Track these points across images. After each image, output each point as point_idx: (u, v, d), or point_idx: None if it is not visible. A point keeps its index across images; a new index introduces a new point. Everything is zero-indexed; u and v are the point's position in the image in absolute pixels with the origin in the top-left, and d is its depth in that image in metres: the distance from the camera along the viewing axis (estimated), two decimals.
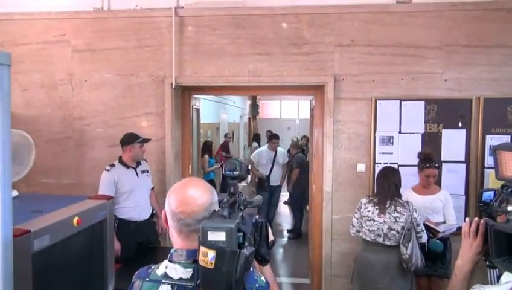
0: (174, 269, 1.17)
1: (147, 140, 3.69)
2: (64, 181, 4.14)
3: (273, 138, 6.57)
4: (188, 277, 1.16)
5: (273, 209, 6.70)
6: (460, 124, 3.78)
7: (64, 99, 4.15)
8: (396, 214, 3.04)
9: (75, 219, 2.19)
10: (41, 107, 4.17)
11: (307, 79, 3.87)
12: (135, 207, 3.60)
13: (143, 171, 3.73)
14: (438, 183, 3.63)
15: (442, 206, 3.41)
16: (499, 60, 3.72)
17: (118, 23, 4.05)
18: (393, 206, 3.06)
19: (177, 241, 1.22)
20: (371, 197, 3.24)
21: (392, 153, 3.86)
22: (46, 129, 4.16)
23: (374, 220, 3.09)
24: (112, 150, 3.97)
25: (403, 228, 3.01)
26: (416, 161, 3.58)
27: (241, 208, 1.21)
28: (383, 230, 3.06)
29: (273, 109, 16.73)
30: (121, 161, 3.64)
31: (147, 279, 1.20)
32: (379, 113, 3.84)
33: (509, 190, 0.89)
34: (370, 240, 3.12)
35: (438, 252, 3.22)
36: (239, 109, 12.25)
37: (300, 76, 3.87)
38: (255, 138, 10.56)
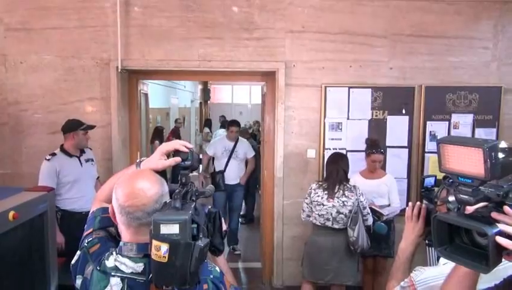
0: (124, 264, 1.14)
1: (91, 127, 3.50)
2: None
3: (231, 125, 5.13)
4: (140, 271, 1.13)
5: (235, 216, 5.25)
6: (403, 111, 3.94)
7: None
8: (344, 198, 3.14)
9: (11, 214, 2.04)
10: None
11: (258, 65, 3.85)
12: (80, 198, 3.43)
13: (87, 160, 3.55)
14: (383, 167, 3.79)
15: (388, 190, 3.56)
16: (439, 49, 3.91)
17: (57, 0, 3.76)
18: (341, 191, 3.16)
19: (126, 235, 1.18)
20: (320, 183, 3.31)
21: (340, 139, 3.96)
22: None
23: (323, 205, 3.17)
24: (53, 137, 3.73)
25: (350, 211, 3.12)
26: (363, 147, 3.70)
27: (193, 198, 1.17)
28: (331, 214, 3.15)
29: (225, 93, 16.58)
30: (62, 150, 3.43)
31: (98, 267, 1.16)
32: (329, 99, 3.90)
33: (451, 181, 0.92)
34: (319, 224, 3.20)
35: (382, 234, 3.37)
36: (190, 93, 12.01)
37: (251, 62, 3.84)
38: (207, 123, 10.43)
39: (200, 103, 13.99)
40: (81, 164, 3.47)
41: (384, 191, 3.56)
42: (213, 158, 5.28)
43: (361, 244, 3.10)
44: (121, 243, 1.18)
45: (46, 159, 3.34)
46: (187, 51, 3.82)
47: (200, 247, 1.01)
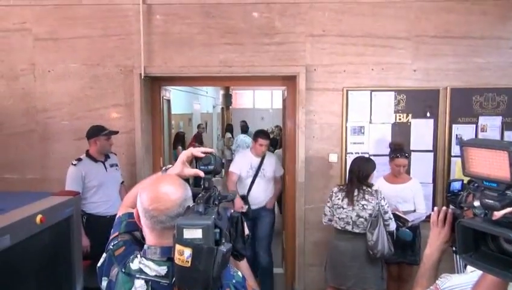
0: (148, 267, 1.16)
1: (113, 132, 3.57)
2: (29, 176, 3.97)
3: (260, 137, 4.09)
4: (163, 274, 1.15)
5: (263, 247, 4.14)
6: (428, 114, 3.86)
7: (26, 91, 3.96)
8: (364, 202, 3.11)
9: (38, 217, 2.10)
10: (1, 99, 3.96)
11: (279, 69, 3.85)
12: (105, 202, 3.51)
13: (112, 165, 3.63)
14: (408, 172, 3.71)
15: (413, 195, 3.49)
16: (465, 50, 3.81)
17: (83, 10, 3.88)
18: (361, 194, 3.13)
19: (150, 239, 1.20)
20: (341, 186, 3.30)
21: (363, 143, 3.91)
22: (8, 122, 3.97)
23: (343, 208, 3.15)
24: (80, 144, 3.83)
25: (370, 215, 3.07)
26: (386, 151, 3.64)
27: (216, 202, 1.19)
28: (351, 218, 3.12)
29: (247, 98, 16.66)
30: (88, 155, 3.52)
31: (123, 270, 1.18)
32: (350, 103, 3.86)
33: (476, 185, 0.89)
34: (340, 228, 3.17)
35: (407, 240, 3.30)
36: (212, 99, 12.14)
37: (272, 66, 3.84)
38: (228, 128, 10.49)
39: (222, 108, 14.11)
40: (106, 168, 3.55)
41: (409, 196, 3.48)
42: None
43: (381, 249, 3.05)
44: (145, 247, 1.20)
45: (72, 164, 3.44)
46: (208, 57, 3.86)
47: (223, 252, 1.01)
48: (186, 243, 1.00)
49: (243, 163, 4.13)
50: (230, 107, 15.50)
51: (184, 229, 1.01)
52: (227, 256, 1.04)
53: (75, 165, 3.43)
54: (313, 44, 3.84)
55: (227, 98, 14.79)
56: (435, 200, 3.85)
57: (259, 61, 3.85)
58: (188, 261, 0.99)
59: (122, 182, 3.77)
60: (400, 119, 3.88)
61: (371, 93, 3.86)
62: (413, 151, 3.86)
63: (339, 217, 3.19)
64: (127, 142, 3.95)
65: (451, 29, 3.80)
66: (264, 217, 4.14)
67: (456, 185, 1.51)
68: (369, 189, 3.16)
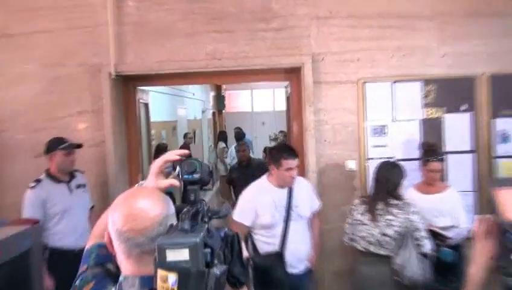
0: None
1: (74, 146, 3.52)
2: None
3: (285, 157, 3.09)
4: None
5: None
6: (463, 107, 3.83)
7: None
8: (389, 217, 3.07)
9: None
10: None
11: (279, 60, 3.83)
12: (71, 232, 3.44)
13: (78, 186, 3.58)
14: (444, 178, 3.66)
15: (451, 207, 3.44)
16: (502, 31, 3.79)
17: (39, 0, 3.88)
18: (386, 208, 3.09)
19: (126, 267, 1.19)
20: (363, 198, 3.28)
21: (386, 146, 3.88)
22: None
23: (365, 224, 3.11)
24: (40, 162, 3.76)
25: (398, 233, 3.02)
26: (415, 154, 3.61)
27: (205, 219, 1.18)
28: (374, 236, 3.08)
29: (243, 100, 16.70)
30: (48, 175, 3.47)
31: None
32: (368, 98, 3.84)
33: None
34: (362, 249, 3.14)
35: (448, 262, 3.24)
36: (200, 102, 12.13)
37: (271, 57, 3.83)
38: (221, 136, 10.46)
39: (213, 112, 14.12)
40: (70, 191, 3.50)
41: (447, 208, 3.42)
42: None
43: (412, 276, 2.98)
44: (120, 278, 1.19)
45: (29, 187, 3.39)
46: (192, 49, 3.85)
47: (216, 275, 1.00)
48: (170, 267, 0.99)
49: (260, 204, 3.12)
50: (224, 111, 15.52)
51: (167, 250, 1.00)
52: (221, 281, 1.02)
53: (33, 188, 3.38)
54: (319, 28, 3.83)
55: (219, 100, 14.81)
56: (478, 212, 3.79)
57: (255, 51, 3.83)
58: (174, 289, 0.98)
59: (92, 207, 3.71)
60: (430, 114, 3.85)
61: (392, 85, 3.84)
62: (448, 152, 3.82)
63: (359, 236, 3.14)
64: (95, 157, 3.91)
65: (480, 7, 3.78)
66: (305, 287, 3.28)
67: None
68: (396, 201, 3.11)
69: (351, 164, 3.88)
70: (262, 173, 3.33)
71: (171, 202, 1.23)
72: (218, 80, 4.82)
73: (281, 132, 8.96)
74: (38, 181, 3.43)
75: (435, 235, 3.21)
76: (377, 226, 3.09)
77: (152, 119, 6.77)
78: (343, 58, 3.84)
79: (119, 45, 3.85)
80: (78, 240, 3.45)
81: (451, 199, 3.44)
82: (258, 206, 3.12)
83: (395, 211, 3.08)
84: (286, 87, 4.64)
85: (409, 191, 3.52)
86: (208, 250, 1.04)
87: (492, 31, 3.80)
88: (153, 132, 6.98)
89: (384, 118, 3.86)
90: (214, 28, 3.84)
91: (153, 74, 3.94)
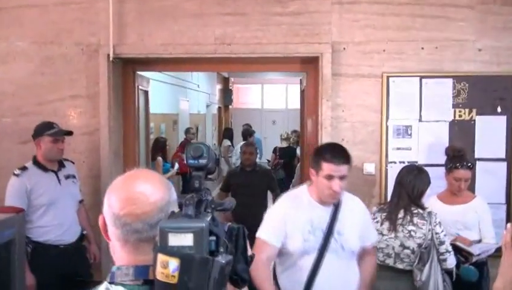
0: None
1: (65, 132, 3.58)
2: None
3: (327, 160, 2.49)
4: None
5: None
6: (499, 109, 3.86)
7: None
8: (411, 227, 3.08)
9: None
10: None
11: (295, 48, 3.87)
12: (57, 226, 3.50)
13: (68, 177, 3.64)
14: (471, 189, 3.68)
15: (478, 220, 3.46)
16: None
17: None
18: (408, 217, 3.10)
19: (121, 255, 1.20)
20: (382, 205, 3.29)
21: (410, 149, 3.91)
22: None
23: (383, 235, 3.13)
24: (26, 148, 3.85)
25: (419, 246, 3.05)
26: (442, 160, 3.62)
27: (209, 210, 1.19)
28: (393, 248, 3.10)
29: (253, 96, 16.78)
30: (35, 162, 3.54)
31: None
32: (392, 94, 3.87)
33: None
34: (379, 262, 3.14)
35: (471, 281, 3.26)
36: (205, 95, 12.20)
37: (286, 44, 3.87)
38: (227, 133, 10.52)
39: (219, 108, 14.18)
40: (59, 181, 3.56)
41: (473, 221, 3.45)
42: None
43: None
44: (113, 269, 1.19)
45: (14, 174, 3.45)
46: (200, 32, 3.90)
47: (221, 264, 1.01)
48: (172, 252, 1.00)
49: (291, 222, 2.55)
50: (230, 106, 15.58)
51: (169, 234, 1.01)
52: (226, 271, 1.03)
53: (17, 175, 3.44)
54: (342, 14, 3.87)
55: (226, 94, 14.88)
56: None
57: (269, 37, 3.88)
58: (175, 276, 0.99)
59: (82, 201, 3.78)
60: (460, 116, 3.88)
61: (420, 81, 3.87)
62: (479, 160, 3.85)
63: (377, 247, 3.16)
64: (88, 147, 3.97)
65: None
66: None
67: None
68: (419, 210, 3.14)
69: (370, 168, 3.92)
70: (266, 185, 3.02)
71: (173, 188, 1.25)
72: (227, 67, 4.89)
73: (294, 131, 8.98)
74: (24, 169, 3.48)
75: (458, 250, 3.22)
76: (396, 237, 3.10)
77: (151, 110, 6.84)
78: (367, 49, 3.87)
79: (119, 24, 3.91)
80: (64, 235, 3.53)
81: (478, 210, 3.45)
82: (288, 223, 2.53)
83: (418, 221, 3.09)
84: (301, 79, 4.68)
85: (431, 200, 3.53)
86: (213, 238, 1.05)
87: None
88: (151, 124, 7.04)
89: (409, 117, 3.90)
90: (225, 10, 3.89)
91: (155, 57, 3.99)
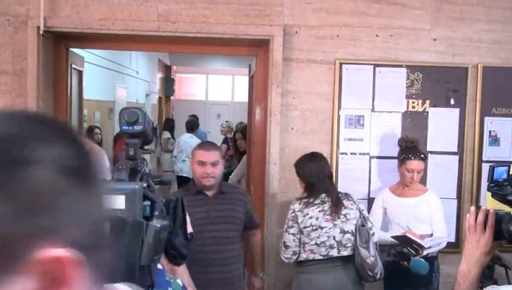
0: None
1: None
2: None
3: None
4: None
5: None
6: (452, 101, 3.98)
7: None
8: (345, 211, 3.20)
9: None
10: None
11: (245, 30, 3.86)
12: None
13: None
14: (423, 182, 3.79)
15: (430, 213, 3.56)
16: (504, 16, 3.97)
17: None
18: (339, 202, 3.23)
19: None
20: (306, 200, 3.26)
21: (362, 140, 3.98)
22: None
23: (322, 228, 3.17)
24: None
25: (355, 226, 3.19)
26: (394, 151, 3.71)
27: (145, 183, 1.20)
28: (334, 237, 3.17)
29: (196, 86, 16.67)
30: None
31: None
32: (345, 82, 3.93)
33: None
34: (322, 257, 3.18)
35: (421, 274, 3.35)
36: (145, 83, 12.00)
37: (235, 25, 3.85)
38: (167, 125, 10.36)
39: (160, 98, 13.98)
40: None
41: (425, 214, 3.55)
42: None
43: (381, 267, 3.16)
44: None
45: None
46: (142, 7, 3.82)
47: (156, 228, 1.02)
48: None
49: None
50: (172, 97, 15.40)
51: None
52: (161, 236, 1.04)
53: None
54: None
55: (168, 84, 14.70)
56: (460, 222, 3.94)
57: (217, 16, 3.85)
58: None
59: None
60: (413, 107, 3.98)
61: (374, 69, 3.94)
62: (431, 153, 3.96)
63: (316, 243, 3.18)
64: None
65: None
66: None
67: (501, 172, 1.56)
68: (341, 192, 3.31)
69: None
70: None
71: (105, 156, 1.24)
72: (170, 47, 4.80)
73: (241, 123, 8.97)
74: None
75: (408, 243, 3.31)
76: (335, 225, 3.17)
77: (85, 96, 6.65)
78: (320, 33, 3.91)
79: None
80: None
81: (430, 203, 3.56)
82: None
83: (346, 203, 3.23)
84: (250, 65, 4.67)
85: (383, 192, 3.63)
86: (148, 203, 1.06)
87: (499, 15, 3.96)
88: (85, 111, 6.85)
89: (362, 107, 3.96)
90: None
91: (91, 33, 3.88)
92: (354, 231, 3.16)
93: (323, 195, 3.23)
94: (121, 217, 1.00)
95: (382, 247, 3.40)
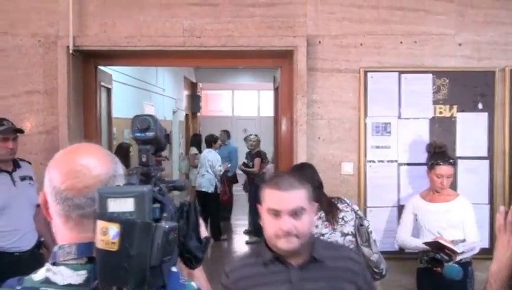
0: (60, 273, 1.13)
1: (12, 129, 3.51)
2: None
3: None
4: (81, 281, 1.12)
5: None
6: (480, 106, 3.95)
7: None
8: (341, 214, 3.21)
9: None
10: None
11: (269, 41, 3.91)
12: (11, 232, 3.44)
13: (23, 178, 3.57)
14: (453, 188, 3.75)
15: (461, 219, 3.52)
16: None
17: None
18: (333, 206, 3.23)
19: (63, 234, 1.19)
20: None
21: (389, 147, 3.97)
22: None
23: (323, 234, 3.20)
24: None
25: (354, 227, 3.18)
26: (423, 158, 3.69)
27: (158, 188, 1.22)
28: (337, 242, 3.17)
29: (222, 102, 16.81)
30: None
31: (18, 287, 1.15)
32: (371, 90, 3.94)
33: None
34: None
35: (455, 280, 3.31)
36: (171, 100, 12.14)
37: (259, 37, 3.90)
38: (195, 140, 10.40)
39: (187, 115, 14.13)
40: (13, 182, 3.50)
41: (457, 219, 3.51)
42: None
43: (385, 263, 3.16)
44: (54, 249, 1.19)
45: None
46: (167, 24, 3.90)
47: (164, 229, 1.02)
48: (112, 218, 1.00)
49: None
50: (199, 114, 15.54)
51: (108, 199, 1.02)
52: (170, 238, 1.04)
53: None
54: (317, 6, 3.93)
55: (194, 101, 14.84)
56: (493, 227, 3.89)
57: (241, 29, 3.90)
58: (115, 243, 0.99)
59: (39, 205, 3.70)
60: (440, 112, 3.96)
61: (399, 76, 3.95)
62: (460, 158, 3.93)
63: None
64: (46, 147, 3.91)
65: None
66: None
67: None
68: (333, 197, 3.30)
69: (348, 167, 3.96)
70: None
71: (119, 162, 1.25)
72: (196, 61, 4.88)
73: (255, 135, 9.09)
74: None
75: (441, 248, 3.27)
76: (335, 229, 3.18)
77: (113, 115, 6.78)
78: (344, 42, 3.93)
79: (80, 14, 3.88)
80: (19, 242, 3.46)
81: (461, 209, 3.52)
82: None
83: (341, 206, 3.23)
84: (275, 76, 4.72)
85: (413, 199, 3.60)
86: (157, 205, 1.07)
87: None
88: (114, 129, 6.97)
89: (388, 114, 3.96)
90: (194, 0, 3.90)
91: (118, 50, 3.97)
92: (353, 232, 3.18)
93: (327, 202, 3.24)
94: (130, 219, 1.01)
95: (415, 254, 3.38)
